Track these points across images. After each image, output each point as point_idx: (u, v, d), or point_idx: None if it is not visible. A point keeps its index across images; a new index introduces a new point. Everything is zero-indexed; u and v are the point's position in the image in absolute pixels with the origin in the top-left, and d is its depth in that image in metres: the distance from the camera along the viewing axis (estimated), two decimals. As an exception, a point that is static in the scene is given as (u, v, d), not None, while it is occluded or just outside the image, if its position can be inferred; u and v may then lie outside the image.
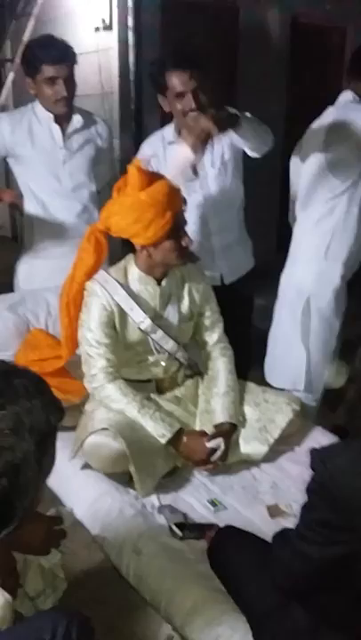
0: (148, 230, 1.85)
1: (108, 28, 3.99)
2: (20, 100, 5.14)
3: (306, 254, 2.37)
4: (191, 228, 2.30)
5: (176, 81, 2.12)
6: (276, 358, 2.52)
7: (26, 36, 4.57)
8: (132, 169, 1.89)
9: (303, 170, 2.33)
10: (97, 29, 4.06)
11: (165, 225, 1.85)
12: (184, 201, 1.96)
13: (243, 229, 2.55)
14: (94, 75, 4.15)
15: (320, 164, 2.24)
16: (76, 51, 4.45)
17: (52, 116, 2.43)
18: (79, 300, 2.01)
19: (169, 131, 2.36)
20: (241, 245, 2.55)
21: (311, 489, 1.22)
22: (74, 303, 2.04)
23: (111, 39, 4.01)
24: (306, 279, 2.35)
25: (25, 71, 2.40)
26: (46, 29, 4.59)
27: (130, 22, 3.93)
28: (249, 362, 2.63)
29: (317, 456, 1.22)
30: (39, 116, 2.46)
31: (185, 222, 1.94)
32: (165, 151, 2.32)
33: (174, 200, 1.88)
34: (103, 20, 3.97)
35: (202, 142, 1.92)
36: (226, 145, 2.33)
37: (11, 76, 4.76)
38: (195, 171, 2.29)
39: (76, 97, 4.56)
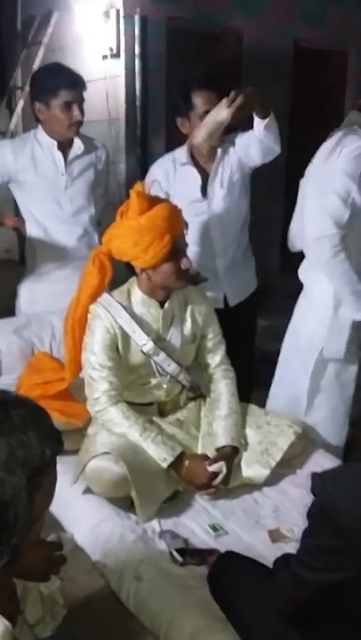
0: (147, 253, 1.88)
1: (116, 55, 4.08)
2: (29, 126, 5.25)
3: (317, 303, 2.25)
4: (195, 249, 2.35)
5: (202, 100, 2.23)
6: (279, 399, 2.44)
7: (36, 64, 4.69)
8: (132, 194, 1.92)
9: (306, 200, 2.24)
10: (105, 57, 4.16)
11: (164, 248, 1.87)
12: (185, 224, 1.99)
13: (247, 250, 2.58)
14: (102, 101, 4.24)
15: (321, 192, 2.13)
16: (85, 78, 4.57)
17: (55, 142, 2.49)
18: (84, 323, 2.03)
19: (181, 153, 2.42)
20: (245, 266, 2.57)
21: (312, 513, 1.21)
22: (79, 325, 2.07)
23: (118, 67, 4.11)
24: (319, 330, 2.23)
25: (37, 96, 2.43)
26: (56, 57, 4.71)
27: (137, 50, 4.03)
28: (252, 383, 2.63)
29: (318, 480, 1.21)
30: (42, 143, 2.51)
31: (185, 245, 1.97)
32: (176, 172, 2.39)
33: (174, 223, 1.90)
34: (111, 49, 4.07)
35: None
36: (235, 165, 2.38)
37: (21, 104, 4.87)
38: (204, 192, 2.33)
39: (84, 122, 4.66)
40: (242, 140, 2.37)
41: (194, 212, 2.31)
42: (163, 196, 2.32)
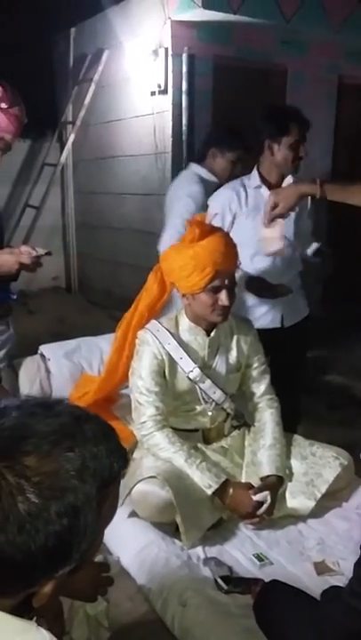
0: (188, 280, 1.94)
1: (164, 92, 4.22)
2: (78, 160, 5.45)
3: None
4: (264, 265, 2.45)
5: (296, 131, 2.38)
6: None
7: (87, 100, 4.90)
8: (187, 223, 2.00)
9: None
10: (153, 93, 4.30)
11: (203, 279, 1.92)
12: (238, 263, 2.05)
13: (299, 274, 2.65)
14: (149, 136, 4.38)
15: None
16: (133, 114, 4.75)
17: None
18: (137, 329, 2.11)
19: (252, 177, 2.50)
20: (300, 289, 2.64)
21: None
22: (133, 331, 2.15)
23: (166, 102, 4.24)
24: None
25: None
26: (106, 94, 4.92)
27: (184, 86, 4.16)
28: (299, 413, 2.63)
29: None
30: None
31: (233, 284, 1.99)
32: (248, 195, 2.47)
33: (219, 258, 1.92)
34: (159, 85, 4.21)
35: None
36: None
37: (71, 138, 5.07)
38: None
39: (132, 156, 4.82)
40: None
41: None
42: (229, 217, 2.45)
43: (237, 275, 2.10)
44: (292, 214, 2.39)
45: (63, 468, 0.74)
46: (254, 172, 2.49)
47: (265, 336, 2.45)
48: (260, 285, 2.43)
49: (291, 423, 2.49)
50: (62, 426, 0.78)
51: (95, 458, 0.77)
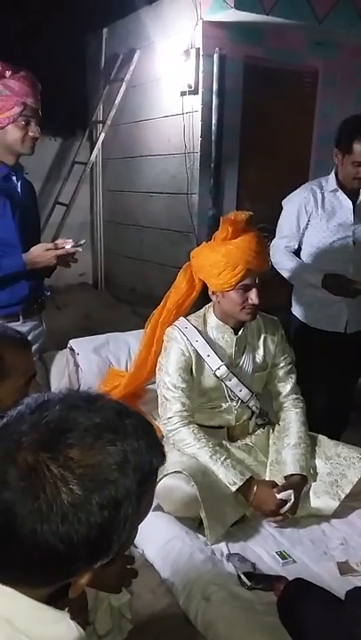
0: (219, 278, 1.97)
1: (194, 92, 4.23)
2: (108, 159, 5.51)
3: None
4: (333, 267, 2.41)
5: (360, 151, 2.30)
6: None
7: (118, 100, 4.94)
8: (222, 221, 2.02)
9: None
10: (183, 93, 4.32)
11: (233, 277, 1.94)
12: (270, 264, 2.11)
13: None
14: (179, 135, 4.40)
15: None
16: (163, 113, 4.77)
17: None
18: (166, 325, 2.13)
19: (329, 180, 2.48)
20: None
21: None
22: (161, 328, 2.17)
23: (196, 102, 4.26)
24: None
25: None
26: (137, 94, 4.95)
27: (214, 87, 4.16)
28: (347, 421, 2.62)
29: None
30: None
31: (262, 282, 2.00)
32: (325, 198, 2.46)
33: (251, 257, 1.94)
34: (189, 85, 4.22)
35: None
36: None
37: (102, 137, 5.11)
38: (354, 213, 2.43)
39: (160, 156, 4.84)
40: None
41: (338, 235, 2.42)
42: (305, 217, 2.45)
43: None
44: (350, 216, 2.40)
45: (106, 461, 0.75)
46: (332, 176, 2.47)
47: (324, 339, 2.48)
48: (338, 282, 2.36)
49: (337, 430, 2.54)
50: (105, 419, 0.79)
51: (136, 452, 0.78)
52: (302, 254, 2.54)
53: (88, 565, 0.77)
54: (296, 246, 2.52)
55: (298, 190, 2.54)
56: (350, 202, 2.44)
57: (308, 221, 2.46)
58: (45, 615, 0.78)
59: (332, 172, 2.47)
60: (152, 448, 0.82)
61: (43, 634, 0.77)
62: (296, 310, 2.59)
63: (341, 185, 2.43)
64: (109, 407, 0.82)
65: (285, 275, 2.52)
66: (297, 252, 2.55)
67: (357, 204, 2.44)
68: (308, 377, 2.36)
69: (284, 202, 2.55)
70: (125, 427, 0.80)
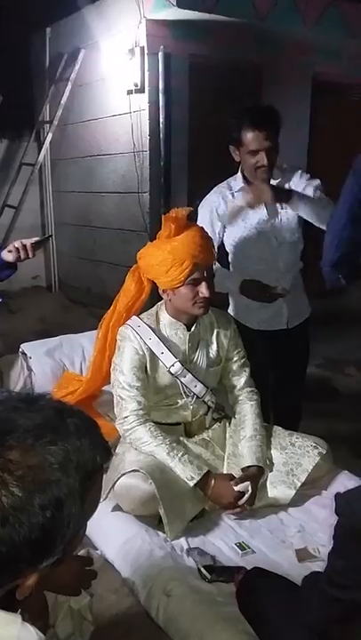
0: (167, 275, 1.98)
1: (140, 90, 4.24)
2: (57, 159, 5.45)
3: None
4: (261, 268, 2.40)
5: (252, 139, 2.23)
6: None
7: (63, 100, 4.89)
8: (163, 219, 2.03)
9: None
10: (130, 92, 4.31)
11: (182, 273, 1.95)
12: (214, 256, 2.09)
13: (300, 273, 2.56)
14: (127, 134, 4.40)
15: None
16: (110, 112, 4.76)
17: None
18: (117, 329, 2.13)
19: (236, 180, 2.44)
20: (302, 288, 2.57)
21: (338, 534, 1.23)
22: (112, 332, 2.18)
23: (143, 101, 4.26)
24: None
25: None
26: (82, 93, 4.92)
27: (160, 85, 4.18)
28: (300, 412, 2.65)
29: (343, 500, 1.23)
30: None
31: (208, 275, 2.02)
32: (235, 198, 2.41)
33: (196, 251, 1.96)
34: (135, 84, 4.23)
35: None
36: (295, 184, 2.40)
37: (49, 137, 5.06)
38: (266, 208, 2.37)
39: (109, 155, 4.82)
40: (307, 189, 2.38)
41: (259, 233, 2.38)
42: (219, 222, 2.40)
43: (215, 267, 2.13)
44: (288, 210, 2.34)
45: (46, 461, 0.76)
46: (238, 175, 2.42)
47: (270, 338, 2.47)
48: (255, 288, 2.33)
49: (294, 422, 2.55)
50: (45, 419, 0.80)
51: (78, 451, 0.79)
52: (230, 259, 2.51)
53: (33, 566, 0.77)
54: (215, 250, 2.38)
55: (208, 195, 2.48)
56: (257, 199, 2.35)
57: (225, 226, 2.42)
58: None
59: (239, 171, 2.42)
60: (96, 445, 0.82)
61: None
62: (236, 314, 2.50)
63: (248, 182, 2.38)
64: (50, 407, 0.82)
65: None
66: (224, 257, 2.51)
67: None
68: (259, 375, 2.36)
69: (199, 207, 2.48)
70: (67, 425, 0.80)
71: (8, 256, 2.11)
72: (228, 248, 2.49)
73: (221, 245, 2.48)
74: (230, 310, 2.54)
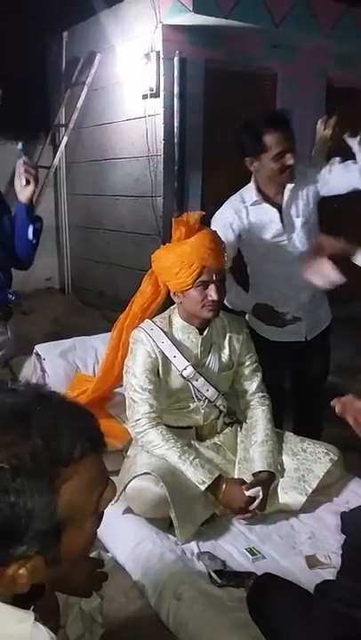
0: (177, 277, 1.99)
1: (155, 95, 4.26)
2: (72, 163, 5.48)
3: None
4: (281, 281, 2.37)
5: (278, 141, 2.21)
6: None
7: (79, 103, 4.93)
8: (174, 223, 2.04)
9: None
10: (145, 97, 4.34)
11: (190, 275, 1.96)
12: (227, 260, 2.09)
13: None
14: (141, 138, 4.42)
15: None
16: (125, 117, 4.78)
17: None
18: (131, 329, 2.14)
19: (250, 192, 2.38)
20: (322, 298, 2.53)
21: (347, 553, 1.22)
22: (126, 332, 2.20)
23: (158, 106, 4.28)
24: None
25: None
26: (98, 97, 4.95)
27: (175, 90, 4.19)
28: (321, 421, 2.62)
29: (348, 518, 1.22)
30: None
31: (222, 279, 2.02)
32: (249, 212, 2.36)
33: (205, 254, 1.97)
34: (151, 88, 4.25)
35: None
36: (311, 194, 2.39)
37: (64, 141, 5.09)
38: (283, 224, 2.35)
39: (124, 159, 4.84)
40: (327, 170, 2.37)
41: (276, 247, 2.35)
42: (233, 237, 2.33)
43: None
44: (301, 218, 2.32)
45: (16, 444, 0.75)
46: (251, 186, 2.37)
47: (287, 349, 2.43)
48: (266, 314, 2.28)
49: (316, 431, 2.52)
50: (22, 405, 0.79)
51: (52, 436, 0.77)
52: (248, 269, 2.48)
53: (2, 551, 0.76)
54: (230, 264, 2.33)
55: (222, 208, 2.43)
56: (276, 211, 2.35)
57: (241, 239, 2.37)
58: (8, 615, 0.78)
59: (251, 183, 2.38)
60: (76, 432, 0.81)
61: (8, 633, 0.77)
62: (253, 323, 2.44)
63: (264, 195, 2.35)
64: (30, 393, 0.82)
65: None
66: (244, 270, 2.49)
67: (283, 209, 2.35)
68: (276, 384, 2.35)
69: (212, 220, 2.41)
70: (43, 410, 0.79)
71: (23, 192, 2.12)
72: (247, 262, 2.47)
73: (239, 258, 2.44)
74: (248, 318, 2.49)
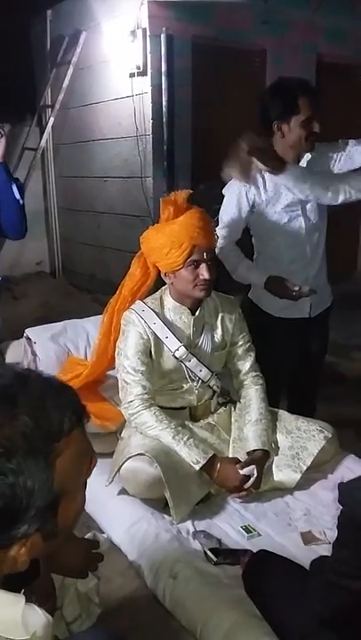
0: (167, 258, 1.98)
1: (143, 73, 4.19)
2: (59, 144, 5.41)
3: None
4: (290, 254, 2.34)
5: (310, 106, 2.20)
6: None
7: (65, 83, 4.84)
8: (162, 203, 2.02)
9: None
10: (132, 75, 4.27)
11: (181, 255, 1.95)
12: (216, 236, 2.07)
13: (325, 259, 2.50)
14: (129, 118, 4.36)
15: None
16: (113, 96, 4.71)
17: None
18: (122, 313, 2.13)
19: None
20: (325, 276, 2.51)
21: (343, 524, 1.22)
22: (117, 315, 2.18)
23: (145, 84, 4.21)
24: None
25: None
26: (84, 76, 4.87)
27: (163, 67, 4.13)
28: (315, 400, 2.64)
29: (345, 489, 1.23)
30: None
31: (212, 258, 2.01)
32: (266, 180, 2.31)
33: (195, 233, 1.95)
34: (138, 67, 4.18)
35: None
36: (325, 168, 2.35)
37: (51, 121, 5.01)
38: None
39: (112, 139, 4.78)
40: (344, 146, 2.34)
41: (288, 217, 2.32)
42: (246, 206, 2.31)
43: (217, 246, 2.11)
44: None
45: (6, 426, 0.75)
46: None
47: (290, 326, 2.41)
48: (281, 286, 2.24)
49: (310, 409, 2.53)
50: (5, 386, 0.80)
51: (40, 413, 0.78)
52: (255, 242, 2.46)
53: (4, 534, 0.76)
54: (239, 236, 2.39)
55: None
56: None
57: (253, 209, 2.34)
58: None
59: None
60: (62, 407, 0.82)
61: None
62: (257, 300, 2.45)
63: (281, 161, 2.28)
64: (10, 374, 0.82)
65: (228, 269, 2.39)
66: (247, 241, 2.46)
67: None
68: (275, 362, 2.35)
69: (224, 190, 2.39)
70: (27, 389, 0.80)
71: None
72: (255, 234, 2.43)
73: (245, 231, 2.41)
74: (251, 295, 2.49)
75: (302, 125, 2.22)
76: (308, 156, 2.31)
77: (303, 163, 2.32)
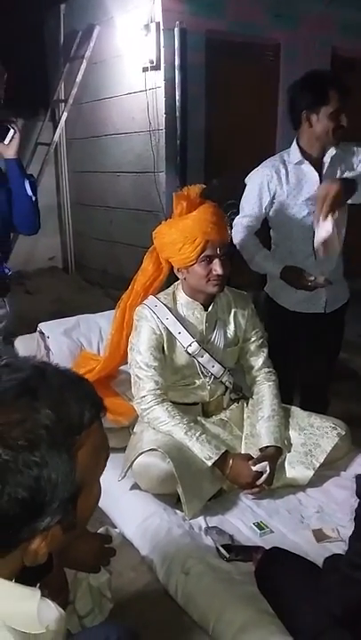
0: (180, 253, 1.97)
1: (156, 67, 4.17)
2: (72, 139, 5.41)
3: None
4: (308, 248, 2.29)
5: (338, 97, 2.20)
6: None
7: (79, 78, 4.84)
8: (175, 198, 2.01)
9: None
10: (145, 69, 4.25)
11: (194, 250, 1.94)
12: (229, 231, 2.06)
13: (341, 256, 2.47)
14: (143, 112, 4.34)
15: None
16: (126, 90, 4.70)
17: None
18: (134, 308, 2.12)
19: (293, 152, 2.34)
20: (342, 272, 2.50)
21: (359, 516, 1.22)
22: (129, 310, 2.17)
23: (158, 78, 4.19)
24: None
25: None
26: (98, 71, 4.86)
27: (176, 62, 4.10)
28: (327, 397, 2.62)
29: None
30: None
31: (224, 253, 1.99)
32: (289, 172, 2.33)
33: (208, 228, 1.94)
34: (151, 61, 4.16)
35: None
36: (349, 165, 2.35)
37: (64, 116, 5.01)
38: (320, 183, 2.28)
39: (125, 134, 4.77)
40: None
41: (308, 211, 2.30)
42: (267, 196, 2.31)
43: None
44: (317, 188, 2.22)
45: (29, 419, 0.75)
46: (294, 147, 2.33)
47: (305, 320, 2.41)
48: (297, 276, 2.24)
49: (322, 406, 2.51)
50: (25, 379, 0.79)
51: (61, 406, 0.78)
52: (273, 233, 2.46)
53: (29, 526, 0.76)
54: (258, 226, 2.40)
55: (259, 167, 2.40)
56: (316, 173, 2.33)
57: (273, 200, 2.34)
58: (14, 592, 0.78)
59: (294, 143, 2.36)
60: (82, 400, 0.82)
61: (14, 611, 0.77)
62: (273, 293, 2.46)
63: (306, 155, 2.33)
64: (30, 367, 0.82)
65: (246, 258, 2.40)
66: (266, 232, 2.46)
67: (323, 174, 2.33)
68: (289, 357, 2.34)
69: (246, 179, 2.41)
70: (48, 382, 0.80)
71: (8, 148, 2.06)
72: (275, 223, 2.41)
73: (264, 222, 2.41)
74: (267, 289, 2.50)
75: (331, 117, 2.21)
76: (332, 152, 2.30)
77: (327, 158, 2.31)
